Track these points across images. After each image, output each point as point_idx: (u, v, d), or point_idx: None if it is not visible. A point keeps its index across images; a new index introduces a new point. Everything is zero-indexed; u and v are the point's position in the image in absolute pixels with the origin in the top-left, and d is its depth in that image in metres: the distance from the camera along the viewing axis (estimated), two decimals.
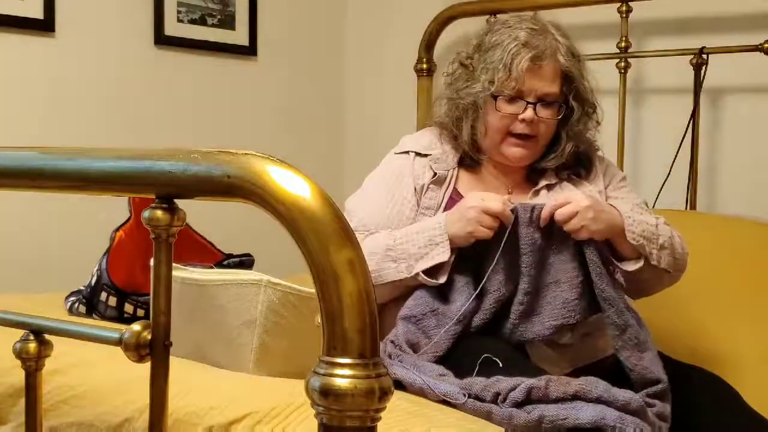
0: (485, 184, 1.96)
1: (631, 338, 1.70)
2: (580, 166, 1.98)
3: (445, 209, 1.87)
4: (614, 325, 1.71)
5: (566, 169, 1.97)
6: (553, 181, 1.95)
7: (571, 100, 1.91)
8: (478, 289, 1.74)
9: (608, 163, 2.05)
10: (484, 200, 1.74)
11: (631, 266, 1.80)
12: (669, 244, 1.84)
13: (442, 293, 1.78)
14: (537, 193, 1.94)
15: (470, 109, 1.91)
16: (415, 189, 1.91)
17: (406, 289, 1.81)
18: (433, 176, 1.92)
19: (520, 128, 1.88)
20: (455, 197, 1.90)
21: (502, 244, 1.74)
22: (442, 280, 1.77)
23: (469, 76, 1.93)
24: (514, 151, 1.90)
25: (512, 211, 1.75)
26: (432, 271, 1.77)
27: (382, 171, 1.99)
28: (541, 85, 1.87)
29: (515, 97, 1.87)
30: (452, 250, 1.75)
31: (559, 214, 1.73)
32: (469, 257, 1.78)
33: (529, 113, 1.86)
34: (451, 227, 1.76)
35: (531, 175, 1.98)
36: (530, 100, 1.87)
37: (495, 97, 1.88)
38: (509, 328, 1.76)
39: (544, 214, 1.74)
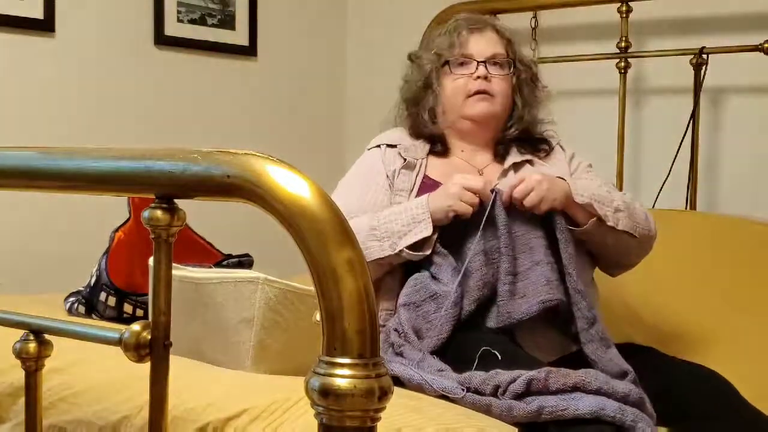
0: (456, 168, 2.01)
1: (598, 332, 1.74)
2: (539, 147, 2.06)
3: (418, 192, 1.94)
4: (584, 318, 1.76)
5: (528, 149, 2.05)
6: (519, 159, 2.02)
7: (518, 62, 2.04)
8: (464, 266, 1.77)
9: (574, 152, 2.11)
10: (466, 178, 1.82)
11: (584, 227, 1.85)
12: (625, 207, 1.90)
13: (435, 278, 1.80)
14: (505, 173, 2.00)
15: (426, 89, 2.03)
16: (387, 175, 1.98)
17: (389, 267, 1.86)
18: (404, 162, 1.99)
19: (476, 85, 1.99)
20: (427, 181, 1.97)
21: (482, 223, 1.79)
22: (427, 251, 1.81)
23: (419, 64, 2.07)
24: (479, 107, 2.00)
25: (492, 191, 1.81)
26: (416, 248, 1.82)
27: (356, 166, 2.08)
28: (485, 47, 2.01)
29: (465, 61, 2.00)
30: (435, 227, 1.81)
31: (517, 192, 1.80)
32: (453, 240, 1.82)
33: (481, 70, 1.99)
34: (433, 203, 1.82)
35: (498, 155, 2.05)
36: (479, 59, 1.99)
37: (447, 64, 2.00)
38: (498, 311, 1.78)
39: (504, 196, 1.81)
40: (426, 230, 1.80)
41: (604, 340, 1.74)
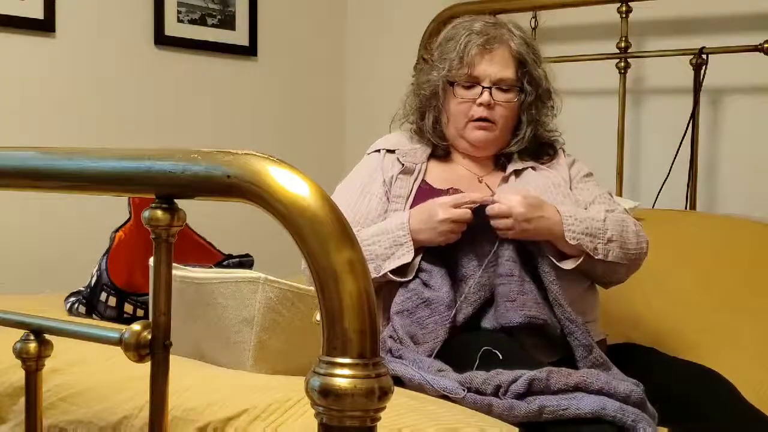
0: (456, 174, 2.01)
1: (597, 358, 1.73)
2: (544, 153, 2.04)
3: (415, 198, 1.93)
4: (582, 346, 1.74)
5: (531, 156, 2.03)
6: (520, 167, 2.01)
7: (526, 84, 1.98)
8: (482, 268, 1.77)
9: (575, 159, 2.09)
10: (450, 208, 1.78)
11: (569, 264, 1.82)
12: (618, 237, 1.86)
13: (427, 284, 1.80)
14: (506, 179, 1.99)
15: (431, 99, 2.01)
16: (384, 181, 1.97)
17: (376, 284, 1.84)
18: (402, 167, 1.98)
19: (478, 112, 1.96)
20: (424, 187, 1.96)
21: (495, 241, 1.79)
22: (410, 277, 1.81)
23: (429, 69, 2.03)
24: (477, 134, 1.98)
25: (476, 209, 1.79)
26: (400, 269, 1.82)
27: (354, 172, 2.06)
28: (494, 70, 1.95)
29: (471, 84, 1.96)
30: (417, 249, 1.81)
31: (491, 209, 1.78)
32: (443, 249, 1.82)
33: (485, 97, 1.94)
34: (420, 234, 1.80)
35: (499, 162, 2.04)
36: (485, 84, 1.95)
37: (452, 84, 1.97)
38: (494, 313, 1.78)
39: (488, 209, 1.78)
40: (407, 255, 1.79)
41: (604, 364, 1.72)
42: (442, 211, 1.79)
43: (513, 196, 1.80)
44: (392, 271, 1.81)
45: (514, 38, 1.97)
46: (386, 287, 1.86)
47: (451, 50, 1.97)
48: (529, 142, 2.01)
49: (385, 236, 1.82)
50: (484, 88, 1.94)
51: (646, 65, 2.87)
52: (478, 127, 1.96)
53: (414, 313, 1.77)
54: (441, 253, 1.82)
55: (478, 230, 1.80)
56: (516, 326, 1.74)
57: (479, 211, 1.79)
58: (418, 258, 1.81)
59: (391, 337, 1.77)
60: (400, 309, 1.79)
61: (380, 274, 1.81)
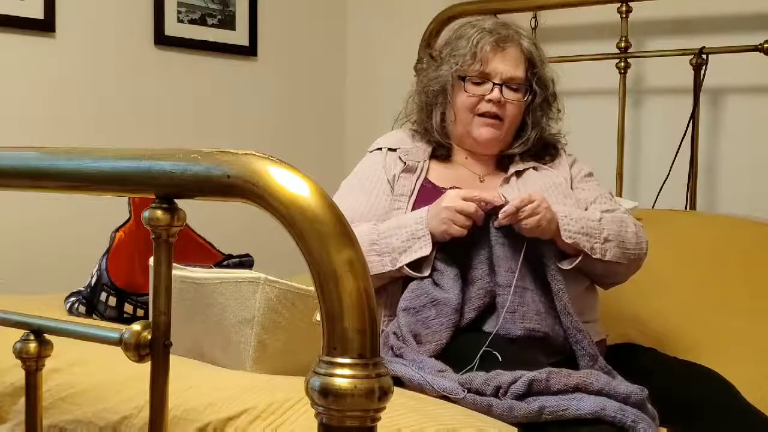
0: (457, 174, 2.01)
1: (603, 367, 1.72)
2: (546, 153, 2.05)
3: (417, 196, 1.93)
4: (588, 355, 1.74)
5: (533, 156, 2.03)
6: (522, 168, 2.01)
7: (535, 84, 1.99)
8: (515, 271, 1.77)
9: (576, 159, 2.10)
10: (457, 198, 1.79)
11: (567, 264, 1.82)
12: (615, 237, 1.86)
13: (438, 284, 1.80)
14: (507, 180, 1.99)
15: (439, 95, 2.01)
16: (387, 180, 1.97)
17: (389, 279, 1.85)
18: (404, 165, 1.98)
19: (487, 107, 1.96)
20: (426, 185, 1.96)
21: (490, 238, 1.79)
22: (426, 273, 1.81)
23: (437, 65, 2.03)
24: (484, 131, 1.97)
25: (488, 212, 1.79)
26: (416, 265, 1.81)
27: (357, 170, 2.06)
28: (505, 68, 1.96)
29: (482, 80, 1.96)
30: (433, 244, 1.80)
31: (511, 205, 1.76)
32: (457, 251, 1.82)
33: (495, 93, 1.95)
34: (430, 223, 1.81)
35: (501, 163, 2.04)
36: (496, 81, 1.95)
37: (463, 79, 1.96)
38: (493, 321, 1.77)
39: (508, 209, 1.76)
40: (425, 248, 1.79)
41: (609, 373, 1.71)
42: (448, 199, 1.80)
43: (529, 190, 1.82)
44: (409, 267, 1.81)
45: (524, 39, 1.99)
46: (392, 284, 1.86)
47: (462, 47, 1.97)
48: (532, 144, 2.01)
49: (403, 230, 1.82)
50: (494, 84, 1.95)
51: (646, 65, 2.87)
52: (485, 123, 1.96)
53: (420, 312, 1.77)
54: (455, 255, 1.81)
55: (487, 234, 1.80)
56: (515, 338, 1.74)
57: (490, 214, 1.79)
58: (434, 252, 1.80)
59: (394, 333, 1.77)
60: (407, 306, 1.79)
61: (396, 268, 1.81)
